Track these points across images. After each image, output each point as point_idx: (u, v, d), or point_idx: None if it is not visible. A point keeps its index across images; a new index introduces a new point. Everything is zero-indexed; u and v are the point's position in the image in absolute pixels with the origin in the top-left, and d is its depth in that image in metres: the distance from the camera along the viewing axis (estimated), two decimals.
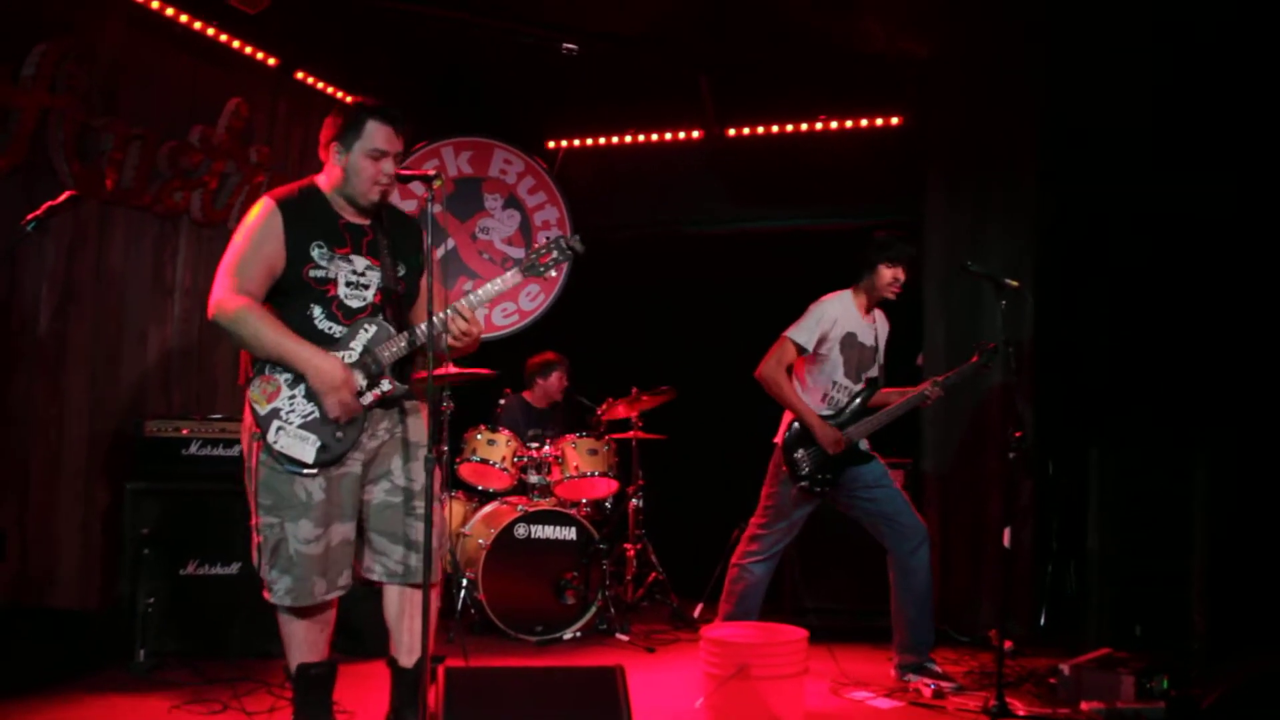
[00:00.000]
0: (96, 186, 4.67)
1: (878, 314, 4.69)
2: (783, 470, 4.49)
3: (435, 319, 3.10)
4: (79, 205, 3.89)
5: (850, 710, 4.17)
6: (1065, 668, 4.28)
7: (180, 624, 4.52)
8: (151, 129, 4.88)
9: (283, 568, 3.11)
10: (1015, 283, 4.21)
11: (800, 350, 4.48)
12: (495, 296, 3.29)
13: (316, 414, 3.10)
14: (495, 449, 5.55)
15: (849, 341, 4.53)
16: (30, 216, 3.52)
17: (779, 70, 6.29)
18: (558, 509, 5.40)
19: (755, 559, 4.53)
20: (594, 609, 5.37)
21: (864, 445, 4.57)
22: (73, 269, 4.69)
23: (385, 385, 3.17)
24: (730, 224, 7.05)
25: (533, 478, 5.62)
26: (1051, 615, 5.67)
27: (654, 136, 7.06)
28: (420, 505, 3.15)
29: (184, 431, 4.72)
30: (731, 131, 6.78)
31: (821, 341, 4.48)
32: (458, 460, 5.57)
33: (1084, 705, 4.07)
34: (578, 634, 5.32)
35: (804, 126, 6.68)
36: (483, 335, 3.29)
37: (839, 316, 4.51)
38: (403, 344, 3.18)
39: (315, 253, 3.14)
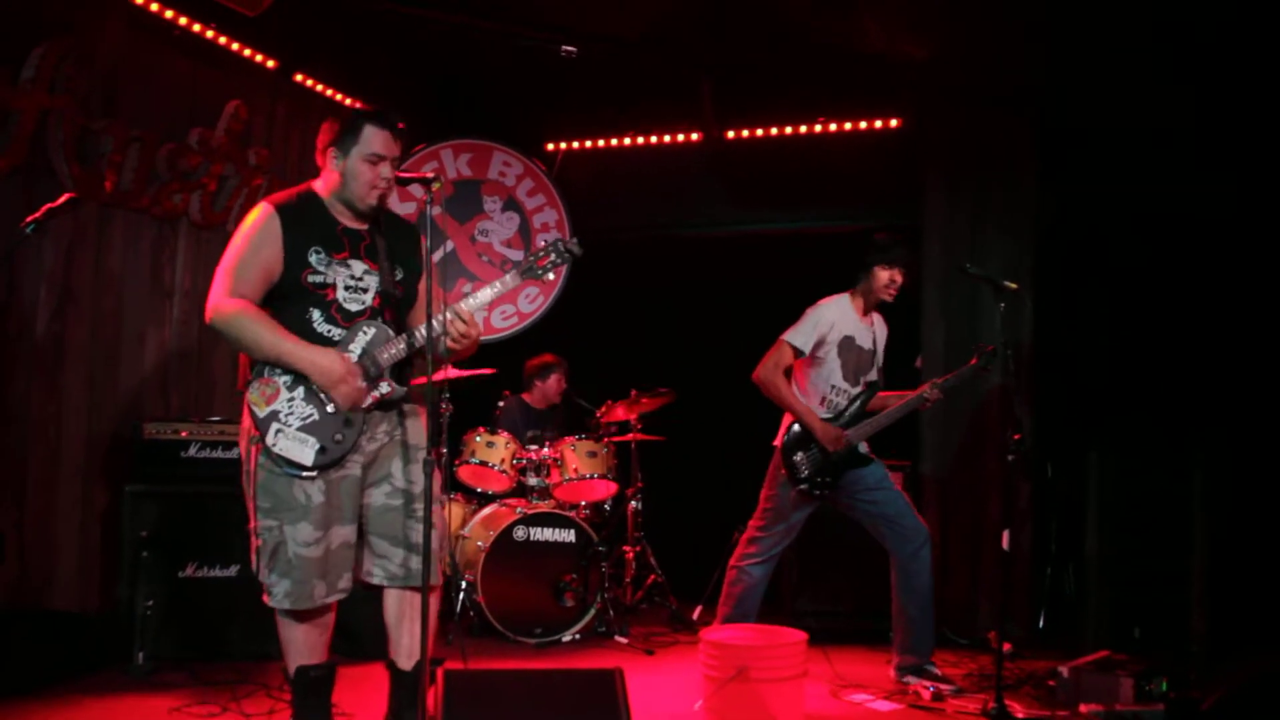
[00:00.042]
0: (95, 188, 4.67)
1: (876, 317, 4.69)
2: (782, 473, 4.49)
3: (434, 321, 3.10)
4: (78, 207, 3.88)
5: (849, 712, 4.17)
6: (1064, 670, 4.28)
7: (179, 626, 4.52)
8: (150, 131, 4.88)
9: (282, 571, 3.11)
10: (1014, 285, 4.21)
11: (797, 353, 4.48)
12: (494, 299, 3.29)
13: (316, 416, 3.10)
14: (494, 451, 5.54)
15: (847, 345, 4.53)
16: (29, 218, 3.53)
17: (778, 72, 6.29)
18: (557, 511, 5.39)
19: (753, 561, 4.53)
20: (593, 611, 5.37)
21: (864, 448, 4.57)
22: (71, 271, 4.69)
23: (384, 387, 3.18)
24: (729, 226, 7.05)
25: (532, 480, 5.62)
26: (1050, 617, 5.67)
27: (653, 139, 7.06)
28: (421, 508, 3.14)
29: (183, 434, 4.72)
30: (730, 134, 6.78)
31: (819, 345, 4.48)
32: (457, 462, 5.57)
33: (1083, 708, 4.07)
34: (577, 636, 5.32)
35: (803, 129, 6.69)
36: (482, 337, 3.30)
37: (836, 320, 4.51)
38: (401, 346, 3.18)
39: (313, 258, 3.14)
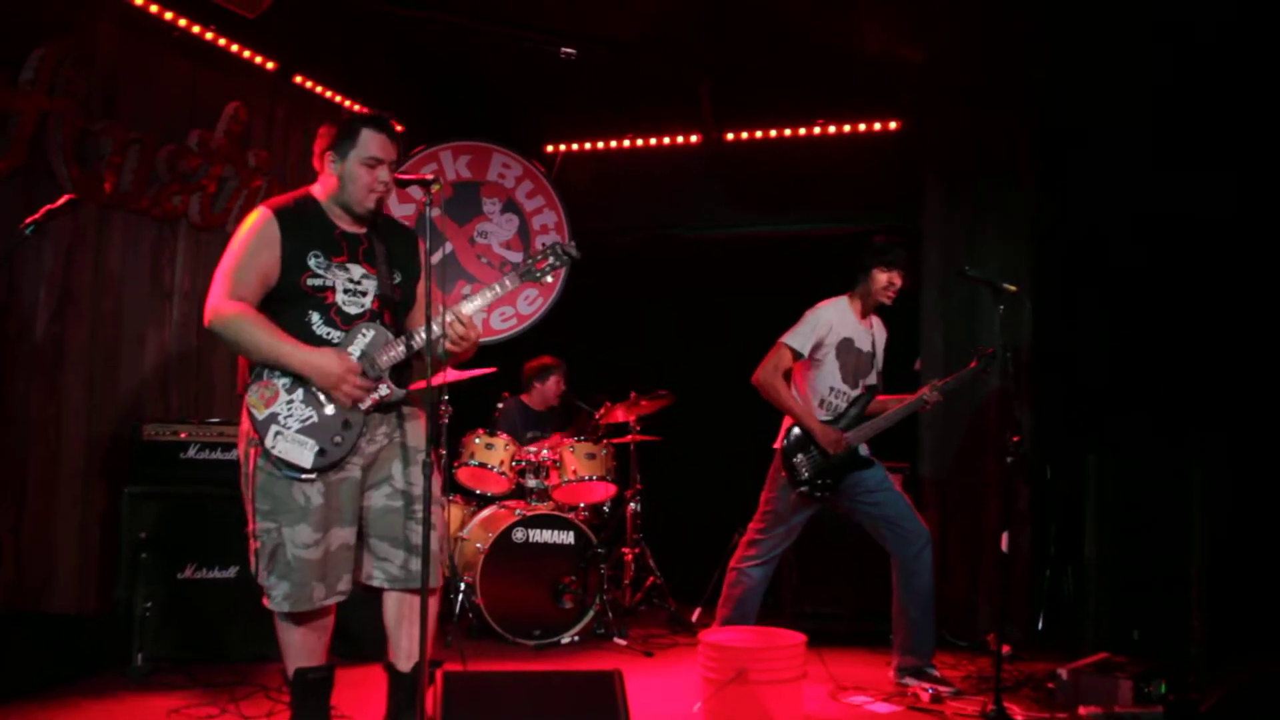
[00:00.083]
0: (95, 190, 4.67)
1: (875, 320, 4.69)
2: (782, 475, 4.48)
3: (433, 324, 3.11)
4: (77, 209, 3.89)
5: (848, 715, 4.17)
6: (1063, 672, 4.28)
7: (178, 628, 4.51)
8: (150, 133, 4.88)
9: (280, 573, 3.11)
10: (1013, 287, 4.21)
11: (796, 355, 4.48)
12: (493, 302, 3.30)
13: (315, 419, 3.10)
14: (493, 453, 5.54)
15: (845, 347, 4.53)
16: (29, 220, 3.53)
17: (777, 74, 6.29)
18: (556, 513, 5.39)
19: (753, 563, 4.53)
20: (592, 613, 5.37)
21: (865, 450, 4.57)
22: (71, 272, 4.69)
23: (384, 389, 3.18)
24: (728, 228, 7.06)
25: (530, 482, 5.62)
26: (1049, 620, 5.67)
27: (652, 141, 7.07)
28: (421, 509, 3.15)
29: (182, 435, 4.72)
30: (730, 136, 6.79)
31: (817, 347, 4.48)
32: (456, 464, 5.57)
33: (1082, 710, 4.07)
34: (575, 638, 5.32)
35: (802, 131, 6.69)
36: (481, 339, 3.30)
37: (835, 322, 4.51)
38: (401, 349, 3.18)
39: (312, 261, 3.15)
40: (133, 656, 4.36)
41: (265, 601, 3.16)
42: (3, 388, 4.41)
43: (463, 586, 5.37)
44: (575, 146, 7.26)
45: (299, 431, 3.08)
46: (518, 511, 5.36)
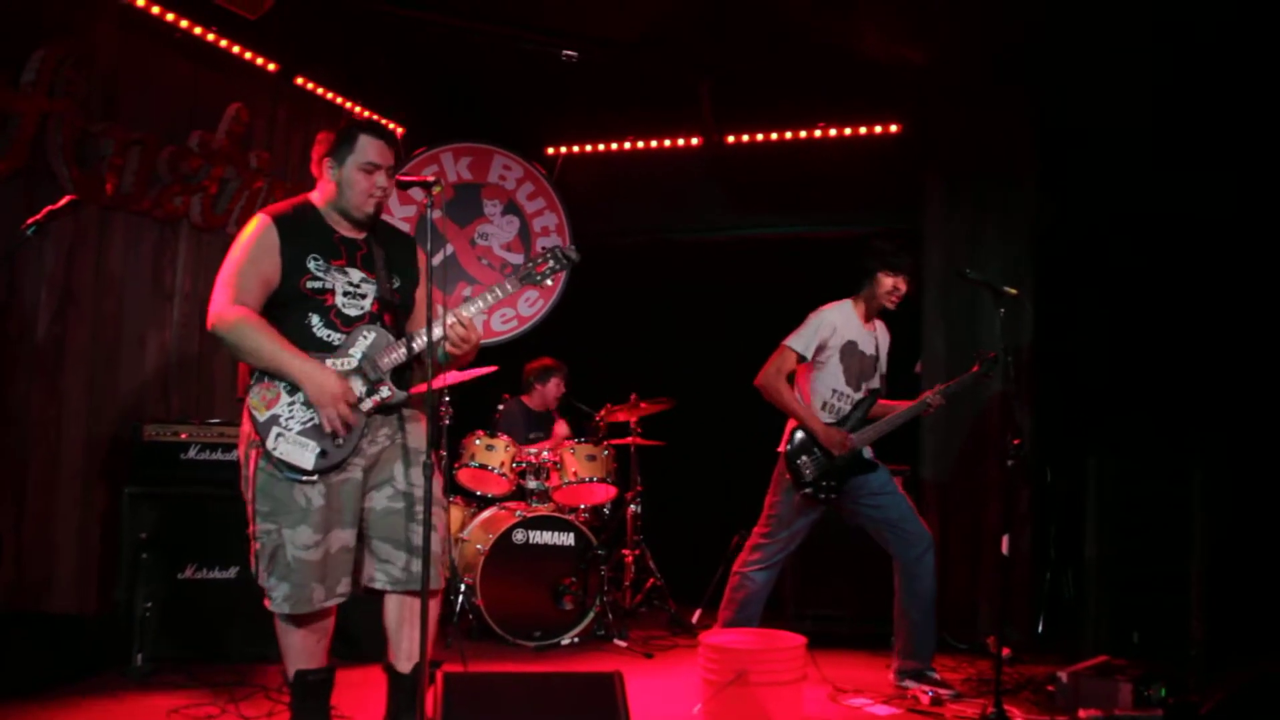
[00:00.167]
0: (96, 191, 4.67)
1: (879, 324, 4.69)
2: (786, 478, 4.48)
3: (434, 327, 3.11)
4: (78, 210, 3.89)
5: (848, 717, 4.17)
6: (1063, 675, 4.28)
7: (178, 628, 4.52)
8: (151, 134, 4.89)
9: (281, 574, 3.11)
10: (1014, 290, 4.20)
11: (799, 358, 4.48)
12: (493, 304, 3.30)
13: (316, 421, 3.10)
14: (494, 454, 5.54)
15: (849, 350, 4.53)
16: (30, 221, 3.53)
17: (778, 77, 6.30)
18: (556, 514, 5.40)
19: (757, 567, 4.53)
20: (592, 614, 5.37)
21: (868, 453, 4.57)
22: (72, 273, 4.69)
23: (384, 392, 3.18)
24: (729, 231, 7.06)
25: (531, 483, 5.62)
26: (1049, 622, 5.67)
27: (653, 143, 7.07)
28: (422, 511, 3.15)
29: (182, 436, 4.72)
30: (730, 138, 6.79)
31: (821, 349, 4.48)
32: (456, 466, 5.57)
33: (1082, 713, 4.06)
34: (575, 639, 5.32)
35: (803, 134, 6.70)
36: (481, 341, 3.31)
37: (839, 324, 4.51)
38: (402, 351, 3.19)
39: (312, 265, 3.16)
40: (133, 656, 4.37)
41: (266, 603, 3.16)
42: (4, 388, 4.41)
43: (463, 588, 5.37)
44: (576, 148, 7.26)
45: (300, 433, 3.08)
46: (518, 513, 5.36)
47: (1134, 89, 5.46)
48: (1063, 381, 5.80)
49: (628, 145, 7.14)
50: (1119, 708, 4.03)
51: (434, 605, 3.26)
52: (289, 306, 3.15)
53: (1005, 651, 4.56)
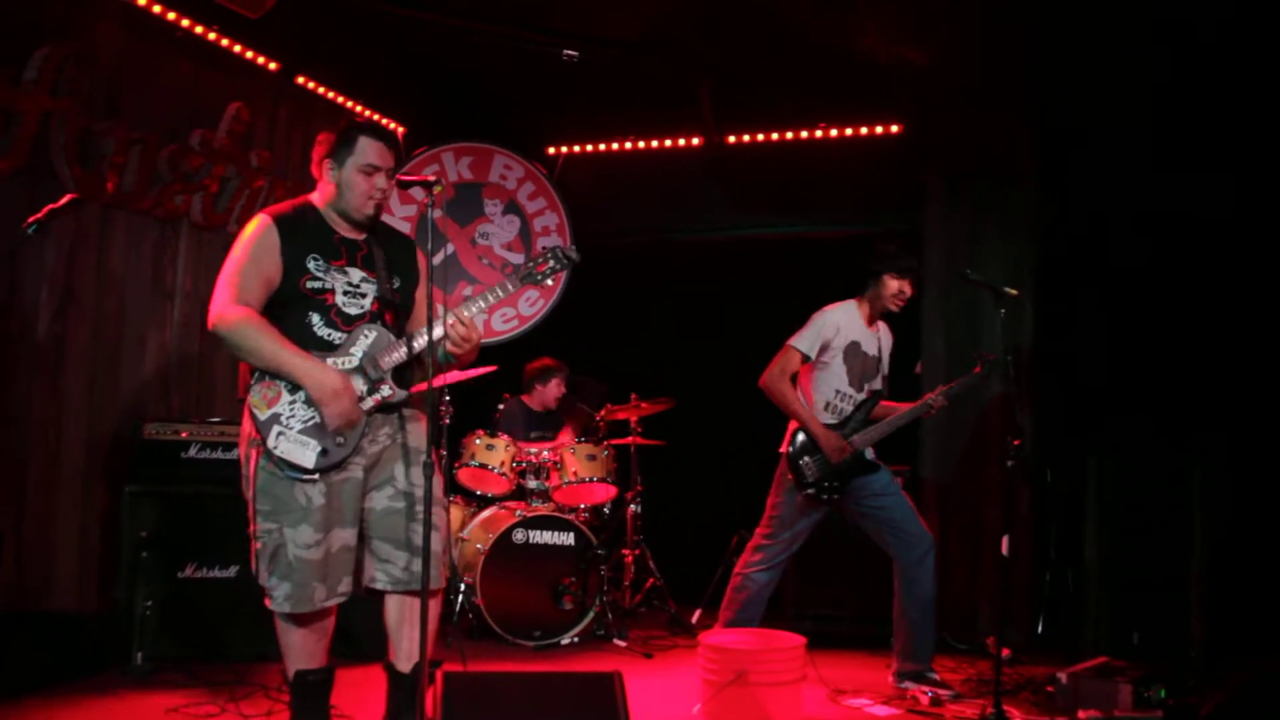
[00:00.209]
0: (97, 190, 4.67)
1: (882, 326, 4.69)
2: (788, 479, 4.49)
3: (435, 326, 3.12)
4: (80, 208, 3.89)
5: (848, 717, 4.17)
6: (1063, 676, 4.28)
7: (178, 627, 4.52)
8: (152, 133, 4.89)
9: (282, 574, 3.11)
10: (1014, 291, 4.20)
11: (803, 358, 4.48)
12: (494, 304, 3.31)
13: (317, 419, 3.10)
14: (494, 454, 5.54)
15: (852, 351, 4.53)
16: (31, 219, 3.53)
17: (778, 77, 6.30)
18: (556, 514, 5.40)
19: (759, 568, 4.53)
20: (592, 614, 5.37)
21: (870, 454, 4.57)
22: (73, 272, 4.69)
23: (385, 390, 3.19)
24: (729, 231, 7.06)
25: (531, 483, 5.62)
26: (1049, 623, 5.67)
27: (654, 143, 7.07)
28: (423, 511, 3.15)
29: (183, 434, 4.72)
30: (731, 138, 6.79)
31: (824, 349, 4.48)
32: (456, 465, 5.57)
33: (1081, 714, 4.07)
34: (575, 639, 5.32)
35: (804, 134, 6.70)
36: (482, 340, 3.32)
37: (842, 325, 4.51)
38: (403, 351, 3.19)
39: (312, 265, 3.17)
40: (133, 655, 4.37)
41: (267, 602, 3.16)
42: (4, 387, 4.41)
43: (463, 587, 5.37)
44: (577, 148, 7.27)
45: (301, 432, 3.08)
46: (518, 512, 5.36)
47: (1134, 89, 5.46)
48: (1063, 382, 5.80)
49: (628, 145, 7.14)
50: (1119, 709, 4.03)
51: (434, 605, 3.26)
52: (289, 306, 3.15)
53: (1005, 652, 4.56)
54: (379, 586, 3.24)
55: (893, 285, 4.51)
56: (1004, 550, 4.34)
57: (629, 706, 3.18)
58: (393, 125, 6.51)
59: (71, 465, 4.69)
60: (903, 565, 4.44)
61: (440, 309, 3.13)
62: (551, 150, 7.28)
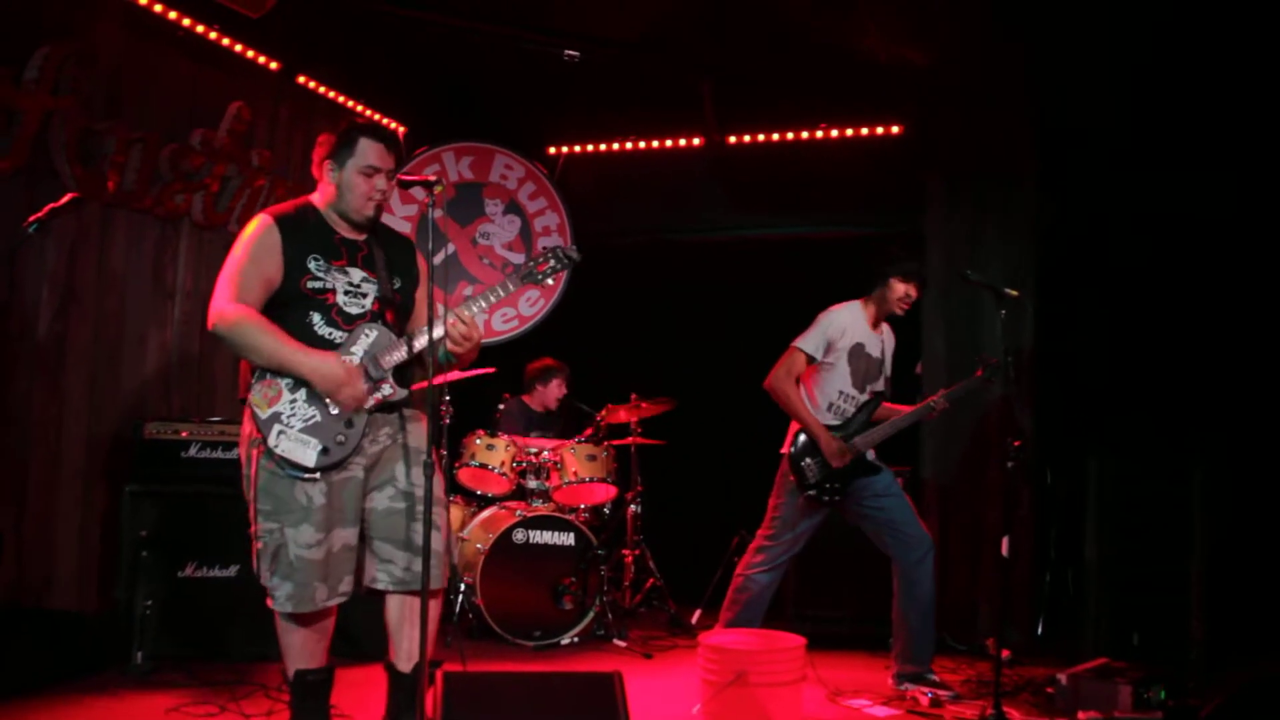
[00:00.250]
0: (98, 189, 4.67)
1: (886, 328, 4.70)
2: (790, 480, 4.49)
3: (436, 326, 3.12)
4: (80, 207, 3.90)
5: (847, 718, 4.17)
6: (1062, 677, 4.28)
7: (178, 626, 4.52)
8: (153, 132, 4.89)
9: (283, 574, 3.11)
10: (1015, 291, 4.20)
11: (809, 359, 4.48)
12: (494, 303, 3.31)
13: (318, 418, 3.11)
14: (494, 454, 5.54)
15: (857, 352, 4.53)
16: (32, 218, 3.54)
17: (779, 77, 6.30)
18: (556, 514, 5.40)
19: (760, 570, 4.53)
20: (592, 614, 5.38)
21: (872, 455, 4.57)
22: (74, 271, 4.69)
23: (386, 389, 3.19)
24: (730, 231, 7.06)
25: (531, 483, 5.62)
26: (1049, 624, 5.67)
27: (655, 143, 7.07)
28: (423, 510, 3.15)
29: (183, 434, 4.72)
30: (732, 139, 6.79)
31: (829, 350, 4.48)
32: (456, 465, 5.58)
33: (1081, 715, 4.07)
34: (575, 639, 5.32)
35: (804, 134, 6.69)
36: (483, 340, 3.32)
37: (848, 326, 4.51)
38: (403, 350, 3.20)
39: (312, 265, 3.17)
40: (133, 655, 4.37)
41: (269, 602, 3.17)
42: (5, 387, 4.42)
43: (463, 587, 5.37)
44: (578, 148, 7.26)
45: (302, 431, 3.09)
46: (518, 512, 5.36)
47: (1134, 89, 5.46)
48: (1063, 382, 5.80)
49: (629, 145, 7.13)
50: (1119, 710, 4.03)
51: (434, 605, 3.26)
52: (290, 306, 3.16)
53: (1005, 653, 4.56)
54: (380, 586, 3.24)
55: (900, 289, 4.51)
56: (1004, 551, 4.34)
57: (629, 707, 3.18)
58: (393, 125, 6.52)
59: (72, 465, 4.69)
60: (902, 567, 4.44)
61: (441, 308, 3.14)
62: (552, 150, 7.28)
